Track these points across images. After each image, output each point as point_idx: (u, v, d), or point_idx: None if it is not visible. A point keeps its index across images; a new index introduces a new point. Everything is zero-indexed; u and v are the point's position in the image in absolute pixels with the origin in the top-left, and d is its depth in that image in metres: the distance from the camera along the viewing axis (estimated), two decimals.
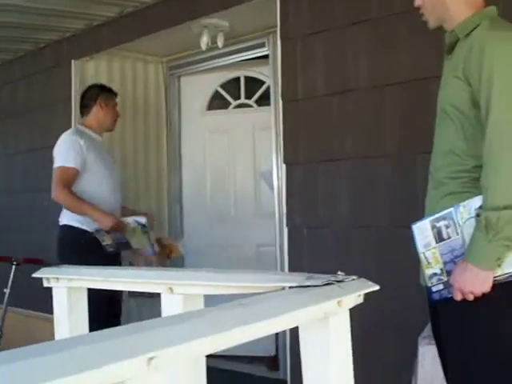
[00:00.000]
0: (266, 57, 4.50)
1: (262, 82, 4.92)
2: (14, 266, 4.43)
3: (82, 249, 3.39)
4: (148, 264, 3.59)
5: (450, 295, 1.83)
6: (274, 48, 4.06)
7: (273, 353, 4.53)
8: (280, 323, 0.96)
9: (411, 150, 3.04)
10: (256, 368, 4.59)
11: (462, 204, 1.81)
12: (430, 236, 1.85)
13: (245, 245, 4.91)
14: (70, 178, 3.47)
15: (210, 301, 1.17)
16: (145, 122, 5.20)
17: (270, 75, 4.37)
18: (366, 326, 2.95)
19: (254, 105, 5.04)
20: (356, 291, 1.09)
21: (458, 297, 1.79)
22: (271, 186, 4.42)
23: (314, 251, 3.45)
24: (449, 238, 1.83)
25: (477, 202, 1.78)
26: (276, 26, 3.68)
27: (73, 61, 4.91)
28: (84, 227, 3.47)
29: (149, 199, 5.18)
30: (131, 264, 3.84)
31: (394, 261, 3.02)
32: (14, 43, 5.19)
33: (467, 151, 1.86)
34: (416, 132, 2.97)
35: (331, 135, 3.41)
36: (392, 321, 3.07)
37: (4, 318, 4.43)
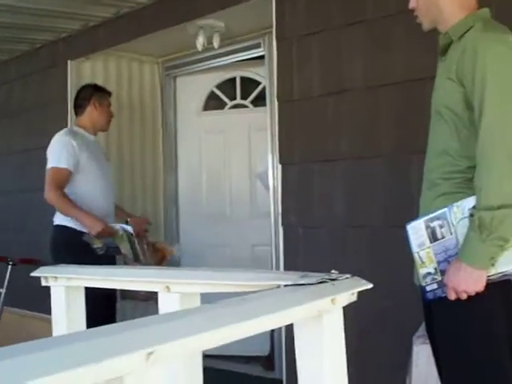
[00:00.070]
0: (261, 57, 4.51)
1: (258, 83, 4.93)
2: (10, 266, 4.44)
3: (76, 249, 3.38)
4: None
5: (443, 294, 1.85)
6: (270, 49, 4.07)
7: (267, 352, 4.54)
8: (275, 320, 0.97)
9: (406, 150, 3.05)
10: (252, 368, 4.60)
11: (455, 204, 1.82)
12: (424, 236, 1.87)
13: (240, 245, 4.92)
14: (63, 178, 3.47)
15: (207, 300, 1.19)
16: (141, 123, 5.21)
17: (266, 76, 4.38)
18: (360, 325, 2.96)
19: (250, 105, 5.05)
20: (349, 289, 1.11)
21: (452, 296, 1.81)
22: (267, 187, 4.43)
23: (309, 251, 3.46)
24: (443, 237, 1.85)
25: (470, 202, 1.80)
26: (272, 27, 3.69)
27: (69, 61, 4.91)
28: (78, 227, 3.46)
29: (145, 199, 5.19)
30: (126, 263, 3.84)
31: (388, 260, 3.04)
32: (9, 43, 5.19)
33: (461, 152, 1.88)
34: (411, 132, 2.99)
35: (326, 135, 3.43)
36: (386, 320, 3.09)
37: (0, 317, 4.44)
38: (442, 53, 1.99)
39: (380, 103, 3.21)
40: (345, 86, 3.34)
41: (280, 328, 3.80)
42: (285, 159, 3.62)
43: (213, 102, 5.22)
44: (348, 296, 1.11)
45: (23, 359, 0.65)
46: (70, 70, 4.90)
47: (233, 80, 5.11)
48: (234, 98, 5.11)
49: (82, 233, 3.41)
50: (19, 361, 0.65)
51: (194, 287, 1.32)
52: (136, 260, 3.51)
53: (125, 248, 3.49)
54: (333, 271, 1.17)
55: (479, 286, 1.77)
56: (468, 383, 1.89)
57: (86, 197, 3.55)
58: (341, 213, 3.35)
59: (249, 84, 5.04)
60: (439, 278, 1.87)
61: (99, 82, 4.33)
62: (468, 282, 1.76)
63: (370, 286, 1.17)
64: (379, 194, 3.20)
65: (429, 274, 1.89)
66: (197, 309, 1.04)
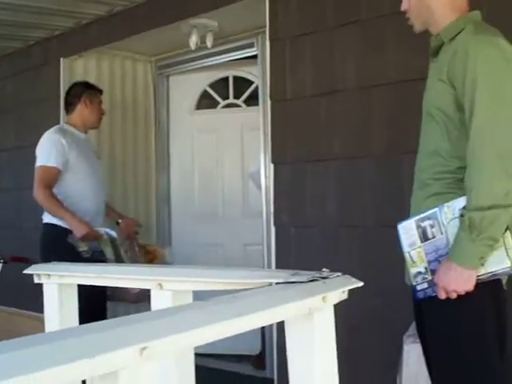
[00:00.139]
0: (254, 57, 4.51)
1: (251, 82, 4.94)
2: (1, 264, 4.43)
3: (64, 247, 3.37)
4: None
5: (434, 294, 1.86)
6: (263, 48, 4.08)
7: (258, 351, 4.55)
8: (266, 317, 0.98)
9: (398, 150, 3.07)
10: (243, 367, 4.61)
11: (446, 204, 1.84)
12: (415, 235, 1.89)
13: (233, 244, 4.93)
14: (52, 177, 3.46)
15: (199, 297, 1.19)
16: (133, 121, 5.20)
17: (259, 75, 4.39)
18: (351, 324, 2.98)
19: (243, 105, 5.06)
20: (340, 287, 1.12)
21: (442, 295, 1.82)
22: (259, 187, 4.44)
23: (301, 250, 3.47)
24: (433, 237, 1.86)
25: (461, 202, 1.81)
26: (265, 27, 3.70)
27: (61, 59, 4.90)
28: (67, 226, 3.45)
29: (137, 198, 5.18)
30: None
31: (380, 260, 3.05)
32: (2, 40, 5.17)
33: (451, 153, 1.89)
34: (403, 133, 3.00)
35: (319, 135, 3.44)
36: (377, 319, 3.10)
37: None
38: (434, 54, 2.01)
39: (372, 103, 3.22)
40: (337, 86, 3.36)
41: (271, 327, 3.81)
42: (277, 159, 3.63)
43: (205, 101, 5.23)
44: (339, 294, 1.12)
45: (17, 354, 0.66)
46: (63, 67, 4.89)
47: (226, 79, 5.11)
48: (227, 98, 5.12)
49: (71, 232, 3.40)
50: (13, 355, 0.66)
51: (187, 285, 1.33)
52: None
53: (109, 253, 3.46)
54: (324, 269, 1.18)
55: (469, 286, 1.79)
56: (458, 382, 1.91)
57: (76, 195, 3.54)
58: (333, 212, 3.36)
59: (242, 83, 5.04)
60: (430, 278, 1.88)
61: (92, 80, 4.33)
62: (458, 281, 1.78)
63: (361, 284, 1.18)
64: (371, 193, 3.21)
65: (419, 273, 1.90)
66: (189, 305, 1.05)
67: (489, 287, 1.83)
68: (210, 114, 5.17)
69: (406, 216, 1.95)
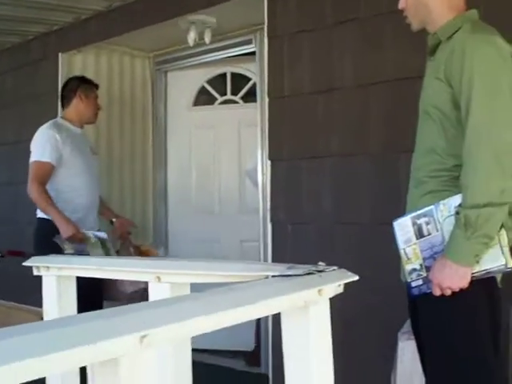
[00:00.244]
0: (252, 54, 4.51)
1: (249, 79, 4.94)
2: None
3: (56, 242, 3.36)
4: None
5: (429, 290, 1.88)
6: (261, 45, 4.08)
7: (251, 348, 4.56)
8: (262, 309, 1.00)
9: (395, 148, 3.08)
10: (238, 363, 4.62)
11: (442, 202, 1.85)
12: (410, 232, 1.90)
13: (229, 240, 4.94)
14: (46, 173, 3.45)
15: (196, 290, 1.21)
16: (131, 117, 5.20)
17: (257, 72, 4.39)
18: (348, 321, 2.99)
19: (240, 101, 5.06)
20: (336, 281, 1.13)
21: (437, 292, 1.83)
22: (256, 184, 4.44)
23: (297, 247, 3.49)
24: (429, 234, 1.87)
25: (456, 200, 1.83)
26: (263, 24, 3.71)
27: (60, 54, 4.90)
28: None
29: (134, 193, 5.19)
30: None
31: (376, 257, 3.06)
32: (1, 35, 5.17)
33: (448, 151, 1.91)
34: (400, 131, 3.01)
35: (316, 133, 3.45)
36: (373, 316, 3.12)
37: None
38: (431, 53, 2.02)
39: (370, 101, 3.23)
40: (335, 83, 3.37)
41: (266, 323, 3.83)
42: (274, 155, 3.64)
43: (203, 98, 5.23)
44: (335, 288, 1.13)
45: (17, 340, 0.67)
46: (62, 62, 4.89)
47: (223, 76, 5.12)
48: (225, 94, 5.12)
49: (58, 231, 3.38)
50: (14, 342, 0.66)
51: (184, 277, 1.34)
52: None
53: (98, 255, 3.43)
54: (320, 263, 1.20)
55: (463, 283, 1.80)
56: (452, 379, 1.92)
57: (69, 191, 3.54)
58: (329, 209, 3.37)
59: (239, 80, 5.05)
60: (424, 275, 1.89)
61: (90, 75, 4.32)
62: (453, 278, 1.79)
63: (356, 277, 1.19)
64: (367, 191, 3.22)
65: (414, 270, 1.92)
66: (187, 296, 1.06)
67: (483, 285, 1.85)
68: (207, 110, 5.17)
69: (402, 214, 1.96)
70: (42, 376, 0.67)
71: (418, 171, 2.01)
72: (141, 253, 3.79)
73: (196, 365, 1.51)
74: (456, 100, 1.85)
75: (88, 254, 3.36)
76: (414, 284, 1.93)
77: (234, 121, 5.00)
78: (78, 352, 0.66)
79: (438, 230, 1.86)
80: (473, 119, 1.78)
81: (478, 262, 1.80)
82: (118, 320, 0.76)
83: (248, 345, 4.56)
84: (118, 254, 3.63)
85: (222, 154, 5.08)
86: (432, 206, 1.86)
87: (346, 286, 1.27)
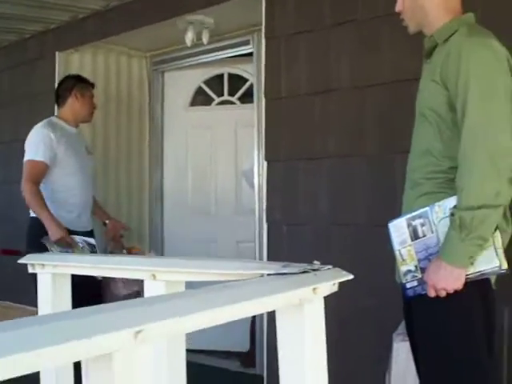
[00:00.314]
0: (250, 54, 4.52)
1: (246, 80, 4.95)
2: None
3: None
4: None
5: (423, 292, 1.88)
6: (259, 46, 4.09)
7: (246, 349, 4.56)
8: (257, 306, 1.00)
9: (391, 150, 3.08)
10: (233, 363, 4.63)
11: (437, 204, 1.86)
12: (405, 234, 1.91)
13: (225, 241, 4.94)
14: (39, 172, 3.43)
15: (191, 288, 1.21)
16: (128, 117, 5.19)
17: (254, 73, 4.40)
18: (343, 321, 3.00)
19: (237, 102, 5.07)
20: (331, 280, 1.14)
21: (432, 293, 1.84)
22: (252, 185, 4.45)
23: (293, 248, 3.49)
24: (424, 236, 1.88)
25: (451, 201, 1.83)
26: (261, 25, 3.71)
27: (57, 53, 4.89)
28: None
29: (130, 193, 5.18)
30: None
31: (371, 258, 3.06)
32: None
33: (443, 152, 1.91)
34: (396, 133, 3.01)
35: (312, 134, 3.45)
36: (369, 316, 3.12)
37: None
38: (427, 55, 2.03)
39: (366, 103, 3.24)
40: (332, 85, 3.37)
41: (261, 324, 3.83)
42: (270, 156, 3.64)
43: (200, 98, 5.23)
44: (329, 286, 1.14)
45: (13, 334, 0.66)
46: (58, 61, 4.88)
47: (221, 76, 5.12)
48: (222, 95, 5.13)
49: (47, 233, 3.36)
50: (7, 336, 0.66)
51: (180, 275, 1.34)
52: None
53: None
54: (315, 262, 1.20)
55: (458, 284, 1.81)
56: (446, 380, 1.92)
57: (63, 191, 3.53)
58: (325, 211, 3.38)
59: (236, 81, 5.05)
60: (419, 276, 1.90)
61: (87, 74, 4.31)
62: (447, 280, 1.80)
63: (351, 277, 1.20)
64: (363, 192, 3.23)
65: (409, 271, 1.92)
66: (182, 293, 1.06)
67: (478, 286, 1.85)
68: (204, 110, 5.17)
69: (397, 215, 1.97)
70: (35, 370, 0.67)
71: (414, 173, 2.02)
72: (129, 253, 3.77)
73: (191, 365, 1.52)
74: (452, 102, 1.86)
75: None
76: (408, 285, 1.94)
77: (230, 121, 5.00)
78: (72, 346, 0.66)
79: (432, 232, 1.87)
80: (468, 122, 1.79)
81: (472, 263, 1.81)
82: (112, 315, 0.76)
83: (243, 345, 4.57)
84: None
85: (219, 154, 5.08)
86: (427, 208, 1.87)
87: (342, 286, 1.27)
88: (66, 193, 3.53)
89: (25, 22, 4.84)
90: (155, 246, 5.18)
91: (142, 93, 5.28)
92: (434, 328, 1.92)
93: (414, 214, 1.89)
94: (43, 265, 1.53)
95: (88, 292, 3.18)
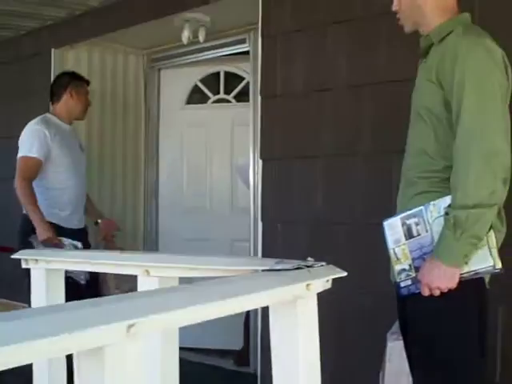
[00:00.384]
0: (246, 53, 4.52)
1: (242, 78, 4.94)
2: None
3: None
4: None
5: (417, 291, 1.89)
6: (255, 45, 4.09)
7: (240, 347, 4.56)
8: (250, 301, 1.00)
9: (386, 149, 3.09)
10: (227, 362, 4.63)
11: (432, 203, 1.86)
12: (400, 232, 1.91)
13: (220, 239, 4.93)
14: (33, 168, 3.42)
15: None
16: (123, 114, 5.18)
17: (250, 71, 4.40)
18: (337, 319, 3.00)
19: (233, 100, 5.06)
20: (324, 276, 1.14)
21: (426, 292, 1.84)
22: (246, 182, 4.44)
23: (287, 246, 3.49)
24: (418, 235, 1.88)
25: (446, 201, 1.84)
26: (257, 23, 3.71)
27: (53, 49, 4.88)
28: (46, 218, 3.42)
29: (125, 191, 5.17)
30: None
31: (366, 257, 3.07)
32: None
33: (438, 152, 1.92)
34: (391, 132, 3.01)
35: (308, 132, 3.45)
36: (362, 315, 3.12)
37: None
38: (423, 55, 2.03)
39: (362, 102, 3.24)
40: (328, 84, 3.37)
41: (255, 323, 3.83)
42: (266, 155, 3.64)
43: (196, 96, 5.22)
44: (323, 283, 1.14)
45: (5, 326, 0.66)
46: (54, 58, 4.87)
47: (217, 74, 5.11)
48: (218, 93, 5.12)
49: (35, 232, 3.35)
50: (1, 327, 0.66)
51: (173, 271, 1.34)
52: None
53: None
54: (309, 258, 1.20)
55: (452, 283, 1.81)
56: (438, 379, 1.93)
57: (57, 188, 3.52)
58: (320, 209, 3.38)
59: (233, 79, 5.05)
60: (413, 275, 1.90)
61: (83, 71, 4.30)
62: (442, 279, 1.80)
63: (345, 273, 1.20)
64: (358, 191, 3.23)
65: (403, 270, 1.92)
66: (175, 287, 1.06)
67: (472, 285, 1.86)
68: (200, 108, 5.17)
69: (392, 214, 1.97)
70: (27, 362, 0.66)
71: (409, 172, 2.02)
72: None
73: (184, 363, 1.52)
74: (447, 102, 1.86)
75: None
76: (403, 284, 1.94)
77: (226, 120, 5.00)
78: (64, 339, 0.66)
79: (427, 231, 1.87)
80: (464, 121, 1.79)
81: (466, 262, 1.81)
82: (105, 309, 0.76)
83: (237, 344, 4.56)
84: None
85: (214, 152, 5.07)
86: (422, 207, 1.87)
87: (336, 285, 1.27)
88: (59, 190, 3.53)
89: (20, 18, 4.82)
90: (150, 244, 5.18)
91: (138, 90, 5.27)
92: (427, 327, 1.92)
93: (408, 212, 1.90)
94: (36, 260, 1.53)
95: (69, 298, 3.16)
